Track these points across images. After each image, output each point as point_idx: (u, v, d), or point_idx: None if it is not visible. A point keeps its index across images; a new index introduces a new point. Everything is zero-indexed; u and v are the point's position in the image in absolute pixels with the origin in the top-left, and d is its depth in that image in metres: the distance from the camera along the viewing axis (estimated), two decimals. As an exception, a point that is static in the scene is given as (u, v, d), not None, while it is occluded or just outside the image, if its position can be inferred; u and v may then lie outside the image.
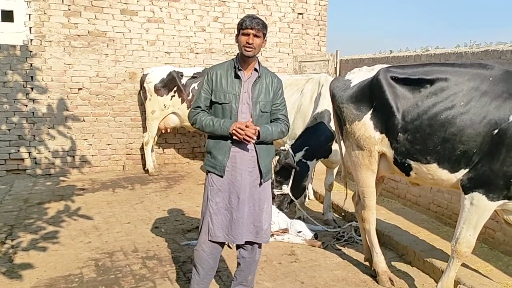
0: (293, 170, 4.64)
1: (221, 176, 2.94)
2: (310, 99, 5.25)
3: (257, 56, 2.94)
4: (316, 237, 4.54)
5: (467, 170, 3.09)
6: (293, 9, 8.60)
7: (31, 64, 6.95)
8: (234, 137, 2.84)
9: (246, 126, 2.81)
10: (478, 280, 3.51)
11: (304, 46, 8.76)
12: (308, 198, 6.13)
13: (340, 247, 4.46)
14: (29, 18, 6.94)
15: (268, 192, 3.12)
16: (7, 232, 4.63)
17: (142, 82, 7.29)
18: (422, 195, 5.45)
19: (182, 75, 7.21)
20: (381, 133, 3.46)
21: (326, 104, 4.89)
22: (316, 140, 4.82)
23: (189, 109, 3.09)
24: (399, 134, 3.31)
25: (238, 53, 2.97)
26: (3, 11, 6.92)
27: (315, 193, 6.27)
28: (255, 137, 2.84)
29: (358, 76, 3.76)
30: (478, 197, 3.04)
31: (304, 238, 4.52)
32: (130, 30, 7.49)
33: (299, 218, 5.07)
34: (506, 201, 3.02)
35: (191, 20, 7.92)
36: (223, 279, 3.70)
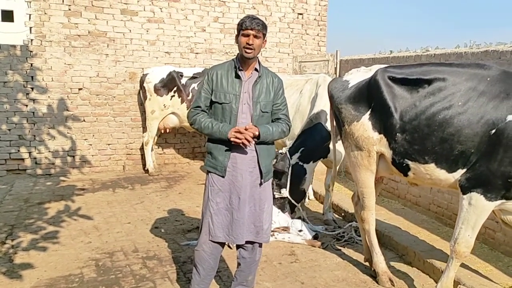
0: (288, 174, 4.63)
1: (222, 177, 2.94)
2: (309, 99, 5.26)
3: (257, 56, 2.95)
4: (316, 237, 4.55)
5: (464, 170, 3.10)
6: (293, 9, 8.60)
7: (31, 64, 6.96)
8: (233, 143, 2.83)
9: (245, 129, 2.82)
10: (478, 281, 3.51)
11: (304, 46, 8.77)
12: (308, 198, 6.13)
13: (340, 247, 4.46)
14: (30, 18, 6.94)
15: (269, 192, 3.12)
16: (7, 232, 4.64)
17: (142, 82, 7.29)
18: (422, 195, 5.45)
19: (182, 75, 7.22)
20: (380, 133, 3.46)
21: (322, 105, 4.89)
22: (312, 141, 4.82)
23: (189, 108, 3.09)
24: (397, 134, 3.32)
25: (238, 53, 2.97)
26: (3, 11, 6.93)
27: (315, 193, 6.28)
28: (253, 142, 2.84)
29: (356, 77, 3.76)
30: (476, 197, 3.05)
31: (305, 237, 4.53)
32: (130, 30, 7.50)
33: (299, 218, 5.07)
34: (504, 201, 3.03)
35: (191, 20, 7.92)
36: (223, 279, 3.70)
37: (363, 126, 3.52)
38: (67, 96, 7.22)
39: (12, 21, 6.96)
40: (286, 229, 4.58)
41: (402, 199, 5.85)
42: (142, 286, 3.60)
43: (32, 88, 6.99)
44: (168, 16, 7.74)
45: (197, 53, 8.01)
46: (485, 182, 3.00)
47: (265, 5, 8.37)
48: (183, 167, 8.04)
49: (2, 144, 6.90)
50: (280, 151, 4.77)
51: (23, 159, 7.03)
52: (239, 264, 3.18)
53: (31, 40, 6.95)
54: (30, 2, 6.90)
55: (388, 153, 3.45)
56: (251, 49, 2.84)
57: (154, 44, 7.68)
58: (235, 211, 2.96)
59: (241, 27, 2.87)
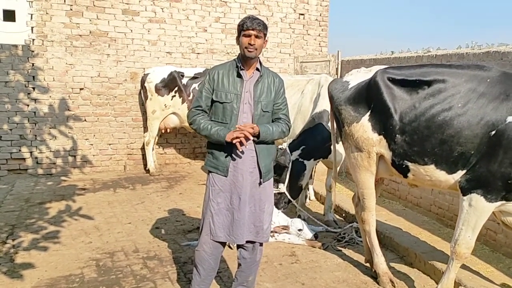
0: (287, 169, 4.65)
1: (225, 176, 2.94)
2: (310, 99, 5.26)
3: (258, 56, 2.95)
4: (316, 237, 4.54)
5: (464, 171, 3.09)
6: (294, 10, 8.60)
7: (32, 64, 6.97)
8: (235, 142, 2.80)
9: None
10: (479, 282, 3.51)
11: (306, 46, 8.76)
12: (309, 199, 6.13)
13: (340, 248, 4.46)
14: (31, 18, 6.95)
15: (269, 193, 3.12)
16: (8, 232, 4.65)
17: (143, 81, 7.30)
18: (423, 196, 5.45)
19: (183, 75, 7.22)
20: (379, 134, 3.46)
21: (325, 105, 4.88)
22: (313, 140, 4.82)
23: (190, 108, 3.08)
24: (397, 135, 3.31)
25: (239, 54, 2.97)
26: (5, 11, 6.96)
27: (316, 194, 6.27)
28: (251, 138, 2.84)
29: (356, 78, 3.76)
30: (476, 198, 3.04)
31: (305, 237, 4.52)
32: (131, 30, 7.50)
33: (299, 217, 5.07)
34: (504, 202, 3.02)
35: (193, 20, 7.92)
36: (224, 280, 3.70)
37: (363, 127, 3.52)
38: (68, 96, 7.23)
39: (14, 20, 7.00)
40: (285, 228, 4.58)
41: (403, 200, 5.85)
42: (142, 286, 3.60)
43: (34, 88, 7.01)
44: (170, 16, 7.75)
45: (198, 53, 8.02)
46: (485, 184, 2.99)
47: (266, 6, 8.37)
48: (184, 167, 8.05)
49: (4, 144, 6.91)
50: (280, 146, 4.77)
51: (24, 159, 7.04)
52: (239, 264, 3.18)
53: (33, 40, 6.96)
54: (32, 2, 6.91)
55: (388, 154, 3.44)
56: (252, 49, 2.85)
57: (155, 44, 7.69)
58: (235, 211, 2.96)
59: (242, 27, 2.87)
